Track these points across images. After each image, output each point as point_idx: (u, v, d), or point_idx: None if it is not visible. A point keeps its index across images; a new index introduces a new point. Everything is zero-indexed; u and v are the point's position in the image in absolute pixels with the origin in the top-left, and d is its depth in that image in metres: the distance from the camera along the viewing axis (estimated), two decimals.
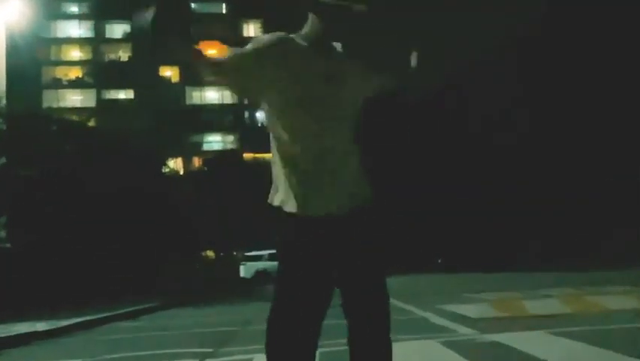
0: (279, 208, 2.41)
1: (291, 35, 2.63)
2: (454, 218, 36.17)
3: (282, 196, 2.43)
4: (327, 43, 2.57)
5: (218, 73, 2.43)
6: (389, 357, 2.48)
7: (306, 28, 2.59)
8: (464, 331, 5.43)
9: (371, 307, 2.46)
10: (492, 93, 35.50)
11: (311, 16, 2.60)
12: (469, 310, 7.30)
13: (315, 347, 2.42)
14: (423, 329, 5.77)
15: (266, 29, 63.84)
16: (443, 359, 3.97)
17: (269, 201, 2.47)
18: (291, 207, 2.37)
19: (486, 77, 35.81)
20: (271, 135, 2.50)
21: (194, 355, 5.11)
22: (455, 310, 7.42)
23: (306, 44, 2.52)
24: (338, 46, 2.65)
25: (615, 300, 7.36)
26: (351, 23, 2.70)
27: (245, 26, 64.48)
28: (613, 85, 28.63)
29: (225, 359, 4.80)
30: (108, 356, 5.52)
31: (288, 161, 2.43)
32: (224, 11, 65.05)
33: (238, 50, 2.48)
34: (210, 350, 5.45)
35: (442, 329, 5.71)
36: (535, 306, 7.25)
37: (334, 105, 2.46)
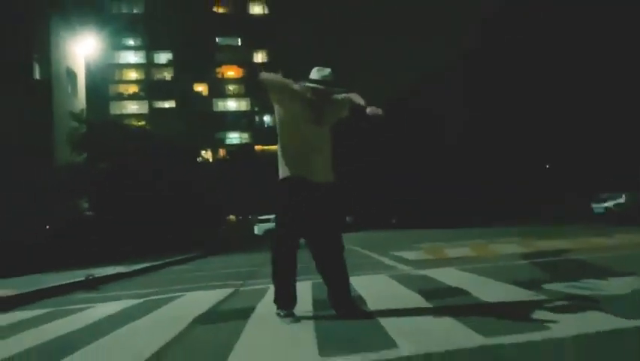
0: (283, 179, 3.13)
1: (301, 87, 3.19)
2: (412, 188, 35.74)
3: (286, 171, 3.13)
4: (315, 103, 3.16)
5: (278, 89, 3.07)
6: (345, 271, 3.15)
7: (307, 87, 3.15)
8: (403, 268, 5.99)
9: (332, 244, 3.09)
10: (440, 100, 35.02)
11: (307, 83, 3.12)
12: (409, 255, 7.82)
13: (296, 254, 3.20)
14: (377, 268, 6.32)
15: (270, 56, 63.41)
16: (387, 286, 4.48)
17: (280, 176, 3.18)
18: (288, 172, 3.11)
19: (436, 90, 35.35)
20: (279, 135, 3.19)
21: (231, 285, 5.56)
22: (401, 255, 7.91)
23: (305, 98, 3.16)
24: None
25: (506, 247, 7.95)
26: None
27: (255, 54, 63.91)
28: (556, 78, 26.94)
29: (252, 287, 5.26)
30: (172, 287, 5.97)
31: (290, 148, 3.13)
32: (239, 44, 64.37)
33: (288, 81, 3.14)
34: (241, 282, 5.96)
35: (390, 268, 6.23)
36: (452, 252, 7.75)
37: (317, 133, 3.16)
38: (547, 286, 3.75)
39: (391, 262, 6.91)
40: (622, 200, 13.66)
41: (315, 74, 3.16)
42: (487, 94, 31.49)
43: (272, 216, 29.39)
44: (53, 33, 19.19)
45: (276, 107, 3.22)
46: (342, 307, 3.12)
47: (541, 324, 2.54)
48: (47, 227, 15.03)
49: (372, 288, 4.25)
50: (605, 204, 13.90)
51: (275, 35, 62.12)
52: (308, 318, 3.17)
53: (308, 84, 3.14)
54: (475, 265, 5.54)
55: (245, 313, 3.50)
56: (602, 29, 25.08)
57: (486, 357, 2.11)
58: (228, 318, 3.46)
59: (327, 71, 3.18)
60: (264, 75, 3.13)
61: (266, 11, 64.87)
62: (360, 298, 3.70)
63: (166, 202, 19.50)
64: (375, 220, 35.82)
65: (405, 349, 2.27)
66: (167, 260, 11.22)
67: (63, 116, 18.77)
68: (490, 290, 3.72)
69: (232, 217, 39.96)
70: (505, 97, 29.56)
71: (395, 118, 38.21)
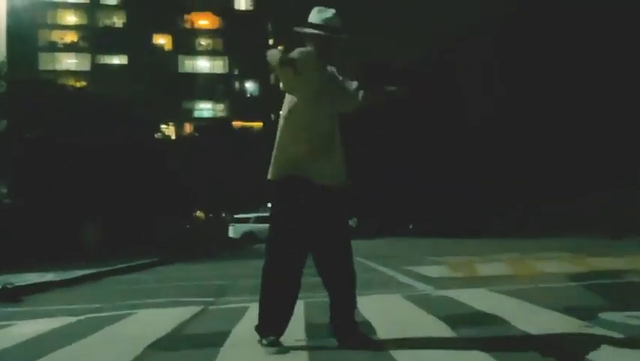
0: (285, 179, 3.19)
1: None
2: (426, 193, 36.51)
3: (285, 169, 3.20)
4: (326, 71, 3.23)
5: (295, 68, 3.02)
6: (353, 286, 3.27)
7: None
8: (422, 287, 6.11)
9: (339, 256, 3.27)
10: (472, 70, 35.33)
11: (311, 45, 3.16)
12: (430, 270, 7.96)
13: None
14: (389, 286, 6.45)
15: (255, 4, 62.98)
16: (401, 309, 4.60)
17: (276, 175, 3.24)
18: (290, 171, 3.17)
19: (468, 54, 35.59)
20: (285, 124, 3.24)
21: (198, 303, 5.64)
22: (418, 270, 8.04)
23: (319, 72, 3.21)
24: (333, 70, 3.33)
25: (549, 264, 8.13)
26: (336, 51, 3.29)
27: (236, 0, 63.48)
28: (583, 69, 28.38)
29: (226, 306, 5.34)
30: (121, 302, 6.06)
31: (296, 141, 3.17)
32: None
33: (303, 57, 3.09)
34: (210, 298, 6.05)
35: (405, 286, 6.36)
36: (484, 268, 7.96)
37: (329, 123, 3.25)
38: (603, 315, 3.88)
39: (406, 279, 7.06)
40: None
41: (315, 16, 3.19)
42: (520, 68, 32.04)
43: (252, 216, 29.69)
44: None
45: (290, 95, 3.28)
46: (345, 335, 3.22)
47: None
48: None
49: (382, 313, 4.36)
50: None
51: None
52: (299, 348, 3.27)
53: (307, 30, 3.17)
54: (511, 287, 5.69)
55: (216, 340, 3.58)
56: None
57: None
58: (195, 344, 3.56)
59: (331, 12, 3.20)
60: (296, 55, 3.07)
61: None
62: (368, 324, 3.80)
63: (113, 188, 19.48)
64: (389, 226, 36.11)
65: None
66: (114, 267, 11.23)
67: None
68: (532, 318, 3.84)
69: (200, 214, 40.01)
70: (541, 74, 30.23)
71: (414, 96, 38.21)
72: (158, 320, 4.55)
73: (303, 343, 3.40)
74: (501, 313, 4.05)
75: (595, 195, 23.53)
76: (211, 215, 39.84)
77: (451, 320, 3.86)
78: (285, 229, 3.18)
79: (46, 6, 58.75)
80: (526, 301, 4.60)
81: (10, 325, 4.79)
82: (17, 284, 7.08)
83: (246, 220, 29.47)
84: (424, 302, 4.83)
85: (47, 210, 17.21)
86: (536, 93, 30.69)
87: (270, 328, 3.24)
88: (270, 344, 3.18)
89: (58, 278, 8.84)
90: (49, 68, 55.72)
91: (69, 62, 60.47)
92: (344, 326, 3.23)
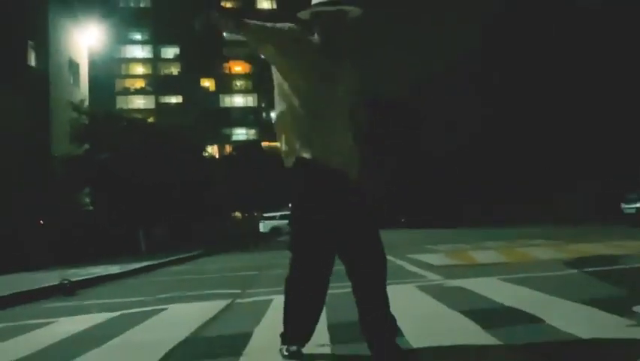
0: (303, 164, 2.09)
1: (305, 34, 2.22)
2: (415, 192, 35.61)
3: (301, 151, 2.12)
4: (328, 50, 2.16)
5: (263, 36, 2.12)
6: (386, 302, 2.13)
7: (314, 33, 2.19)
8: (432, 277, 5.04)
9: (370, 254, 2.15)
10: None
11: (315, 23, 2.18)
12: (431, 259, 6.93)
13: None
14: (399, 275, 5.38)
15: (279, 4, 62.35)
16: (419, 302, 3.57)
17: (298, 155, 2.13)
18: (307, 153, 2.09)
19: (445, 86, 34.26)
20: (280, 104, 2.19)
21: (227, 296, 4.67)
22: (421, 259, 7.02)
23: (314, 46, 2.16)
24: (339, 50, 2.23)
25: (539, 252, 6.99)
26: (347, 33, 2.22)
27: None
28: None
29: (252, 299, 4.37)
30: (159, 296, 5.12)
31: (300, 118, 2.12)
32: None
33: (273, 24, 2.16)
34: (239, 290, 5.07)
35: (415, 275, 5.30)
36: (480, 256, 6.83)
37: (330, 99, 2.13)
38: (637, 308, 2.80)
39: (413, 268, 5.99)
40: None
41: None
42: (500, 88, 30.50)
43: (277, 214, 28.78)
44: (53, 20, 18.38)
45: (274, 67, 2.25)
46: (382, 353, 2.10)
47: None
48: (41, 222, 14.26)
49: (401, 305, 3.29)
50: (638, 205, 12.95)
51: None
52: (322, 357, 2.25)
53: (312, 9, 2.15)
54: (518, 275, 4.59)
55: (236, 345, 2.56)
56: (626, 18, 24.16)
57: None
58: (213, 352, 2.54)
59: None
60: (245, 25, 2.07)
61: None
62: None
63: (170, 198, 18.76)
64: (383, 219, 35.04)
65: None
66: (165, 260, 10.41)
67: (63, 107, 17.98)
68: (563, 313, 2.78)
69: (238, 214, 39.22)
70: (522, 87, 28.56)
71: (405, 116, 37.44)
72: (183, 318, 3.55)
73: (328, 350, 2.36)
74: (527, 308, 2.96)
75: (559, 195, 22.74)
76: (246, 214, 39.02)
77: (475, 316, 2.80)
78: (308, 221, 2.12)
79: (120, 61, 59.21)
80: (544, 293, 3.52)
81: (51, 322, 3.83)
82: (72, 280, 6.10)
83: (272, 218, 28.73)
84: (440, 294, 3.75)
85: (116, 216, 16.63)
86: (516, 107, 28.99)
87: (294, 337, 2.22)
88: (290, 356, 2.18)
89: (118, 271, 8.04)
90: (124, 107, 55.63)
91: (139, 102, 60.37)
92: (379, 339, 2.10)
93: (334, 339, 2.52)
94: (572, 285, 3.84)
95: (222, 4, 61.56)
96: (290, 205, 2.32)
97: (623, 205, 13.69)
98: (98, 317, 3.86)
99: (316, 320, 2.24)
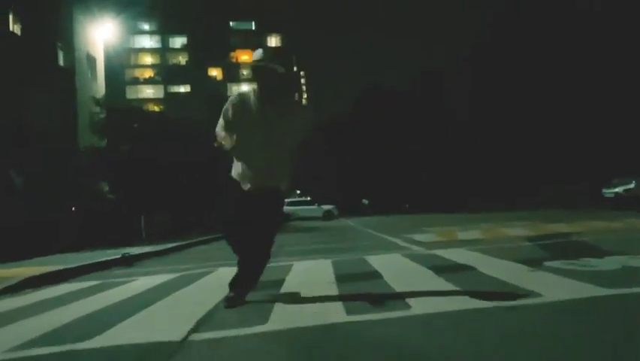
0: (234, 180, 3.30)
1: (248, 91, 3.26)
2: (419, 177, 36.54)
3: (239, 176, 3.30)
4: (268, 97, 3.13)
5: (223, 141, 3.26)
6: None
7: (256, 87, 3.20)
8: (416, 249, 6.42)
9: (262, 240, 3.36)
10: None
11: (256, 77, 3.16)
12: (422, 237, 8.24)
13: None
14: (391, 248, 6.73)
15: (283, 41, 63.22)
16: (401, 263, 4.94)
17: (230, 175, 3.35)
18: (242, 183, 3.26)
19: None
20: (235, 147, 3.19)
21: None
22: (413, 237, 8.32)
23: (255, 99, 3.17)
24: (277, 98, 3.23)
25: (515, 230, 8.33)
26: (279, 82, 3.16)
27: (268, 38, 63.81)
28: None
29: (277, 264, 5.74)
30: (204, 264, 6.47)
31: (246, 161, 3.24)
32: (253, 28, 64.28)
33: (221, 127, 3.26)
34: None
35: (403, 248, 6.65)
36: (463, 235, 8.17)
37: (274, 140, 3.14)
38: (546, 263, 4.16)
39: (405, 243, 7.34)
40: (632, 186, 13.86)
41: (253, 59, 3.15)
42: (494, 86, 31.51)
43: (287, 200, 30.09)
44: (75, 20, 19.69)
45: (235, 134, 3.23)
46: (233, 290, 3.27)
47: (533, 292, 2.97)
48: (73, 209, 15.74)
49: (387, 265, 4.71)
50: (616, 190, 14.12)
51: (288, 20, 61.80)
52: (331, 289, 3.65)
53: (250, 64, 3.19)
54: (483, 246, 5.95)
55: (277, 285, 3.99)
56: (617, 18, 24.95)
57: (485, 317, 2.55)
58: (264, 287, 3.95)
59: (259, 52, 3.12)
60: (219, 139, 3.21)
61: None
62: (378, 273, 4.16)
63: (185, 185, 20.02)
64: (389, 205, 36.28)
65: (417, 309, 2.74)
66: (190, 241, 11.66)
67: (85, 102, 19.37)
68: (493, 266, 4.15)
69: None
70: (515, 86, 29.59)
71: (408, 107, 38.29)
72: (232, 274, 4.96)
73: (334, 285, 3.77)
74: (472, 263, 4.37)
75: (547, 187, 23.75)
76: None
77: (435, 269, 4.19)
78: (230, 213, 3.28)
79: (130, 51, 60.26)
80: (490, 256, 4.91)
81: (133, 280, 5.24)
82: (131, 253, 7.57)
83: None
84: (417, 258, 5.16)
85: (136, 204, 17.80)
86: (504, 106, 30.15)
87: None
88: (225, 299, 3.23)
89: (153, 249, 9.33)
90: (134, 97, 56.93)
91: (148, 91, 61.60)
92: (239, 285, 3.28)
93: (338, 279, 3.94)
94: (516, 251, 5.21)
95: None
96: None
97: (604, 190, 14.86)
98: (166, 277, 5.28)
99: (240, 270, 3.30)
